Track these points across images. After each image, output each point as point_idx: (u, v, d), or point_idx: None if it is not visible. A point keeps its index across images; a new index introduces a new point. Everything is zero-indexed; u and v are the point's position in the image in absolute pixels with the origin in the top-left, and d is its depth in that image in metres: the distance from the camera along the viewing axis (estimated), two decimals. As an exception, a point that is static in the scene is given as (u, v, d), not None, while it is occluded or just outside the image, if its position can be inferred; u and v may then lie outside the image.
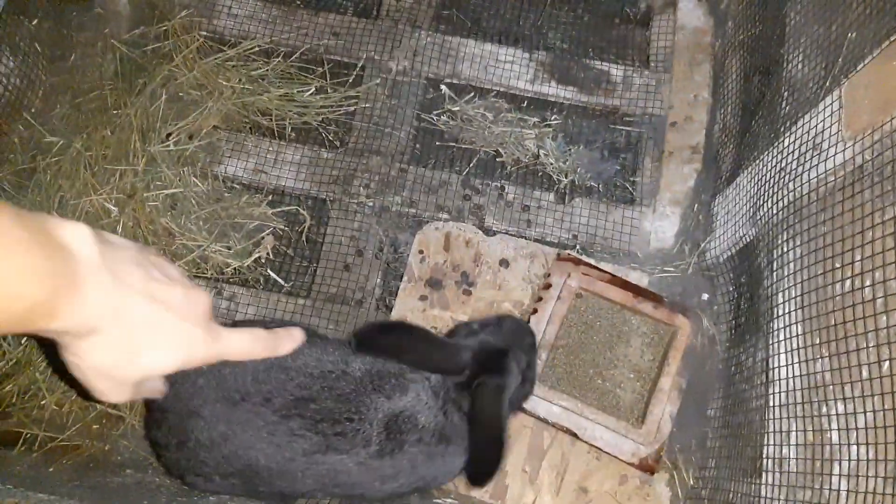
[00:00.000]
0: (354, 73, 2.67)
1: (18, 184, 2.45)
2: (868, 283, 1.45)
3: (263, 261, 2.42)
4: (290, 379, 1.67)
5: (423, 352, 1.69)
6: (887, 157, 1.46)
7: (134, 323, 0.76)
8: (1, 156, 2.48)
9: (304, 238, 2.46)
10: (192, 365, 0.82)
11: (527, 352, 1.83)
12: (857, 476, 1.39)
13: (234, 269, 2.37)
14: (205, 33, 2.68)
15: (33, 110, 2.55)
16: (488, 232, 2.40)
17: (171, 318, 0.79)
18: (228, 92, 2.59)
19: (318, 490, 1.71)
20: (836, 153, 1.62)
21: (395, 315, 2.25)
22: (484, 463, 1.62)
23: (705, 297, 2.22)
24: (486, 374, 1.69)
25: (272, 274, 2.40)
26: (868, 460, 1.37)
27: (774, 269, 1.81)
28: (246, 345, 0.88)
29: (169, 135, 2.53)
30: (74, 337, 0.74)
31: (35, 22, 2.51)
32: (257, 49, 2.68)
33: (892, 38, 1.54)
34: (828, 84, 1.75)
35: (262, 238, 2.44)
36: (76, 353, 0.76)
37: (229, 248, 2.39)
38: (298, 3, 2.79)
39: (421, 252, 2.32)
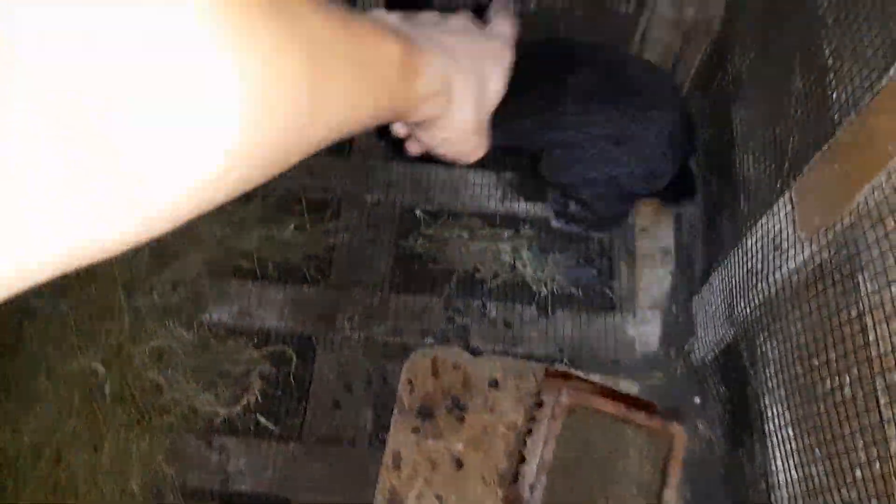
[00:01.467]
0: (331, 208, 2.75)
1: (3, 353, 2.46)
2: (846, 382, 1.46)
3: (252, 406, 2.40)
4: None
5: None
6: (843, 255, 1.51)
7: (464, 63, 0.74)
8: (-14, 324, 2.50)
9: (291, 377, 2.46)
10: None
11: None
12: (871, 585, 1.35)
13: (224, 418, 2.35)
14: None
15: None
16: (475, 353, 2.42)
17: (482, 40, 0.79)
18: (210, 239, 2.65)
19: None
20: (795, 254, 1.66)
21: (389, 450, 2.22)
22: None
23: (697, 400, 2.21)
24: None
25: (261, 419, 2.38)
26: (878, 568, 1.33)
27: (758, 369, 1.83)
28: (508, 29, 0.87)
29: (152, 287, 2.57)
30: (435, 104, 0.71)
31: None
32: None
33: (829, 142, 1.62)
34: (779, 186, 1.83)
35: (250, 382, 2.44)
36: (445, 124, 0.75)
37: (217, 397, 2.38)
38: (272, 148, 2.91)
39: (410, 381, 2.32)
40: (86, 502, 2.17)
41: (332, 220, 2.74)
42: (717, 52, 2.44)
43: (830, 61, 1.73)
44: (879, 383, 1.36)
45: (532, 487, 2.06)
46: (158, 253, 2.62)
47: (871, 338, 1.39)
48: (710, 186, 2.41)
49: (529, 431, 2.14)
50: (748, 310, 1.89)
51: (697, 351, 2.22)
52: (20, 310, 2.53)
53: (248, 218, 2.72)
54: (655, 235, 2.58)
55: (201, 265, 2.62)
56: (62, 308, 2.51)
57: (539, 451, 2.10)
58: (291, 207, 2.76)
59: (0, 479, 2.30)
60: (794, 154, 1.82)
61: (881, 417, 1.36)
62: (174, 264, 2.61)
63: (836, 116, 1.63)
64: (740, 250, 1.98)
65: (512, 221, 2.72)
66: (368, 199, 2.78)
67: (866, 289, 1.44)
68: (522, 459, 2.11)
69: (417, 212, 2.76)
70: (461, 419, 2.26)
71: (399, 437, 2.23)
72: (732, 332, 2.00)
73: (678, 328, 2.36)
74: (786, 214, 1.76)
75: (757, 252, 1.88)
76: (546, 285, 2.57)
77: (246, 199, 2.76)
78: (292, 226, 2.71)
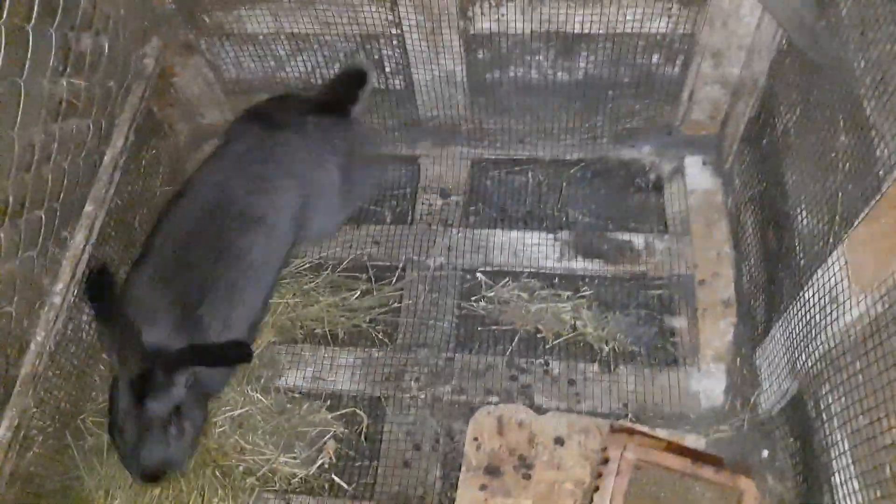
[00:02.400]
0: (396, 273, 2.90)
1: (100, 422, 2.65)
2: (911, 433, 1.47)
3: (327, 466, 2.51)
4: None
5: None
6: (898, 308, 1.53)
7: None
8: (84, 395, 2.70)
9: (363, 438, 2.57)
10: None
11: None
12: None
13: (301, 478, 2.47)
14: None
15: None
16: (539, 410, 2.47)
17: None
18: (283, 307, 2.83)
19: None
20: (851, 307, 1.69)
21: (459, 508, 2.28)
22: None
23: (766, 454, 2.20)
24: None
25: (336, 479, 2.48)
26: None
27: (823, 422, 1.82)
28: None
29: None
30: None
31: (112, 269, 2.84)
32: (308, 265, 2.95)
33: (877, 198, 1.66)
34: (832, 239, 1.86)
35: (324, 443, 2.55)
36: None
37: (295, 458, 2.50)
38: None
39: (476, 439, 2.39)
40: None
41: (397, 285, 2.88)
42: (764, 108, 2.50)
43: (872, 118, 1.77)
44: (942, 435, 1.36)
45: (601, 544, 2.08)
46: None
47: (931, 389, 1.41)
48: (766, 238, 2.43)
49: (597, 488, 2.17)
50: (809, 362, 1.90)
51: (763, 403, 2.22)
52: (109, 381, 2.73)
53: (318, 287, 2.88)
54: (715, 287, 2.61)
55: (275, 333, 2.79)
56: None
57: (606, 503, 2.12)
58: (359, 276, 2.92)
59: (96, 539, 2.46)
60: (845, 208, 1.85)
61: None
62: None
63: (881, 172, 1.68)
64: (798, 302, 2.00)
65: (571, 281, 2.80)
66: (431, 263, 2.91)
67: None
68: (590, 516, 2.13)
69: (478, 274, 2.87)
70: (528, 476, 2.30)
71: (467, 495, 2.29)
72: (797, 385, 2.00)
73: (742, 381, 2.36)
74: (840, 268, 1.79)
75: (815, 304, 1.90)
76: (608, 343, 2.61)
77: (316, 270, 2.94)
78: (359, 291, 2.86)
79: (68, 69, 2.42)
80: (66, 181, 2.47)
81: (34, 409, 2.40)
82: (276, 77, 3.08)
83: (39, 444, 2.45)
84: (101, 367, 2.75)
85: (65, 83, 2.40)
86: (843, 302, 1.74)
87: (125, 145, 2.77)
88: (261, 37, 2.89)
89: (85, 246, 2.61)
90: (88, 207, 2.64)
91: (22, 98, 2.14)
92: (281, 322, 2.80)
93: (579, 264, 2.80)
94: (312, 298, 2.85)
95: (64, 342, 2.54)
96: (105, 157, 2.71)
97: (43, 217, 2.38)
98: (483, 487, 2.30)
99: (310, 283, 2.89)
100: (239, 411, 2.55)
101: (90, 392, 2.72)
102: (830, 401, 1.78)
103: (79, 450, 2.57)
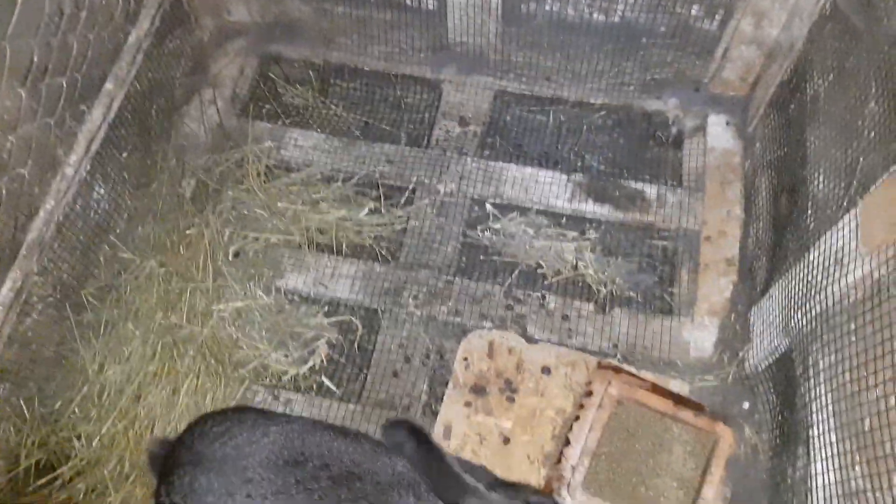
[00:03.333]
0: (406, 195, 2.91)
1: (100, 297, 2.70)
2: (892, 391, 1.51)
3: (318, 368, 2.57)
4: (346, 452, 1.78)
5: (433, 473, 1.72)
6: (903, 271, 1.56)
7: None
8: (87, 272, 2.74)
9: (356, 346, 2.62)
10: None
11: None
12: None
13: (291, 376, 2.53)
14: (273, 161, 2.97)
15: (118, 231, 2.84)
16: (530, 340, 2.52)
17: None
18: (291, 213, 2.84)
19: None
20: (855, 268, 1.71)
21: (441, 420, 2.35)
22: None
23: (746, 405, 2.26)
24: None
25: (325, 381, 2.54)
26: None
27: (808, 378, 1.87)
28: None
29: (237, 253, 2.77)
30: None
31: (126, 154, 2.84)
32: (319, 175, 2.95)
33: (898, 163, 1.67)
34: (845, 203, 1.88)
35: (317, 346, 2.60)
36: None
37: (287, 357, 2.56)
38: (358, 134, 3.08)
39: (466, 359, 2.45)
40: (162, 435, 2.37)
41: (405, 207, 2.89)
42: (797, 73, 2.48)
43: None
44: (925, 392, 1.40)
45: (574, 469, 2.15)
46: (242, 223, 2.82)
47: (922, 349, 1.44)
48: (778, 203, 2.45)
49: (577, 418, 2.24)
50: (805, 320, 1.94)
51: (751, 359, 2.27)
52: (117, 260, 2.77)
53: (327, 198, 2.89)
54: (720, 245, 2.64)
55: (281, 236, 2.81)
56: (152, 263, 2.73)
57: (584, 437, 2.19)
58: (369, 192, 2.93)
59: (85, 409, 2.52)
60: (864, 174, 1.86)
61: (925, 427, 1.41)
62: (255, 232, 2.80)
63: (908, 138, 1.68)
64: (802, 263, 2.03)
65: (578, 222, 2.82)
66: (441, 189, 2.91)
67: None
68: (567, 443, 2.20)
69: (487, 205, 2.88)
70: (511, 399, 2.36)
71: (451, 409, 2.35)
72: (787, 343, 2.05)
73: (734, 336, 2.41)
74: (850, 230, 1.81)
75: (818, 265, 1.93)
76: (606, 286, 2.65)
77: (327, 181, 2.94)
78: (367, 208, 2.88)
79: (103, -62, 2.38)
80: (90, 53, 2.45)
81: (37, 277, 2.44)
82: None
83: (39, 312, 2.50)
84: (107, 248, 2.78)
85: (98, -49, 2.37)
86: (848, 263, 1.76)
87: (150, 28, 2.75)
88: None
89: (101, 123, 2.61)
90: (108, 85, 2.63)
91: (55, -41, 2.12)
92: (286, 228, 2.81)
93: (589, 207, 2.82)
94: (320, 209, 2.86)
95: (72, 216, 2.56)
96: (130, 37, 2.69)
97: (64, 85, 2.37)
98: (468, 404, 2.36)
99: (319, 193, 2.90)
100: (239, 304, 2.59)
101: (93, 269, 2.75)
102: (819, 358, 1.82)
103: (77, 323, 2.62)
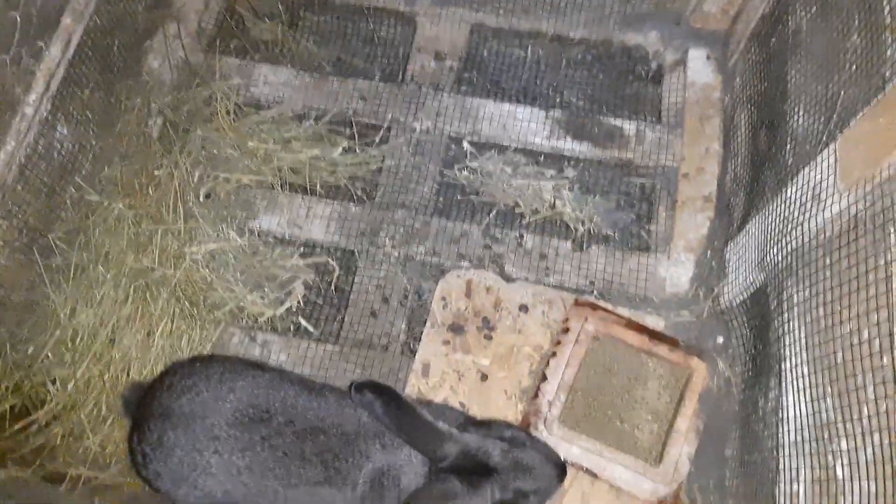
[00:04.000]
0: (381, 133, 2.84)
1: (68, 241, 2.63)
2: (866, 325, 1.53)
3: (294, 309, 2.55)
4: (311, 408, 1.81)
5: (406, 429, 1.74)
6: (878, 207, 1.56)
7: None
8: (53, 215, 2.67)
9: (333, 287, 2.60)
10: None
11: (513, 492, 1.77)
12: (864, 511, 1.45)
13: (268, 318, 2.51)
14: (242, 98, 2.87)
15: (84, 172, 2.75)
16: (508, 279, 2.52)
17: None
18: (262, 153, 2.77)
19: None
20: (832, 203, 1.71)
21: (419, 359, 2.36)
22: None
23: (720, 340, 2.29)
24: (459, 475, 1.73)
25: (303, 322, 2.53)
26: (873, 494, 1.42)
27: (782, 312, 1.89)
28: None
29: (208, 195, 2.71)
30: None
31: (88, 92, 2.73)
32: (290, 113, 2.87)
33: (878, 97, 1.65)
34: (825, 139, 1.86)
35: (294, 288, 2.58)
36: None
37: (263, 298, 2.53)
38: (329, 70, 2.99)
39: (444, 299, 2.44)
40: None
41: (380, 145, 2.83)
42: (779, 5, 2.43)
43: (889, 19, 1.74)
44: (896, 326, 1.42)
45: (551, 404, 2.18)
46: (212, 164, 2.75)
47: (894, 285, 1.45)
48: (757, 139, 2.43)
49: (554, 354, 2.26)
50: (780, 255, 1.95)
51: (726, 294, 2.29)
52: (84, 202, 2.69)
53: (299, 137, 2.82)
54: (698, 182, 2.63)
55: (253, 177, 2.74)
56: (120, 206, 2.65)
57: (561, 373, 2.21)
58: (342, 130, 2.85)
59: (58, 353, 2.49)
60: (844, 108, 1.84)
61: (893, 360, 1.43)
62: (226, 173, 2.73)
63: (888, 73, 1.66)
64: (780, 198, 2.02)
65: (557, 160, 2.78)
66: (417, 126, 2.85)
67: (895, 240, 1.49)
68: (544, 378, 2.23)
69: (465, 143, 2.83)
70: (489, 337, 2.37)
71: (429, 348, 2.36)
72: (763, 278, 2.06)
73: (710, 272, 2.42)
74: (828, 165, 1.80)
75: (796, 201, 1.92)
76: (584, 224, 2.64)
77: (299, 119, 2.86)
78: (341, 147, 2.81)
79: None
80: (43, -17, 2.32)
81: (1, 220, 2.37)
82: None
83: (6, 257, 2.44)
84: (73, 190, 2.70)
85: None
86: (825, 199, 1.76)
87: (108, -43, 2.60)
88: None
89: (60, 60, 2.50)
90: (66, 20, 2.51)
91: None
92: (256, 167, 2.75)
93: (567, 145, 2.78)
94: (293, 148, 2.79)
95: (35, 157, 2.48)
96: (86, -34, 2.55)
97: (18, 19, 2.25)
98: (445, 343, 2.37)
99: (291, 131, 2.82)
100: (211, 246, 2.55)
101: (60, 212, 2.68)
102: (794, 292, 1.84)
103: (46, 267, 2.56)
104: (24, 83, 2.39)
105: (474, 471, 1.75)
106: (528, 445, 1.81)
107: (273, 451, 1.77)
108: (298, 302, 2.55)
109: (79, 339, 2.50)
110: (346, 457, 1.79)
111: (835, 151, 1.77)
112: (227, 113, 2.82)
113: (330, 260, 2.63)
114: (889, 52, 1.69)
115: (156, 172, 2.74)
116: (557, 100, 2.92)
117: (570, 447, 2.14)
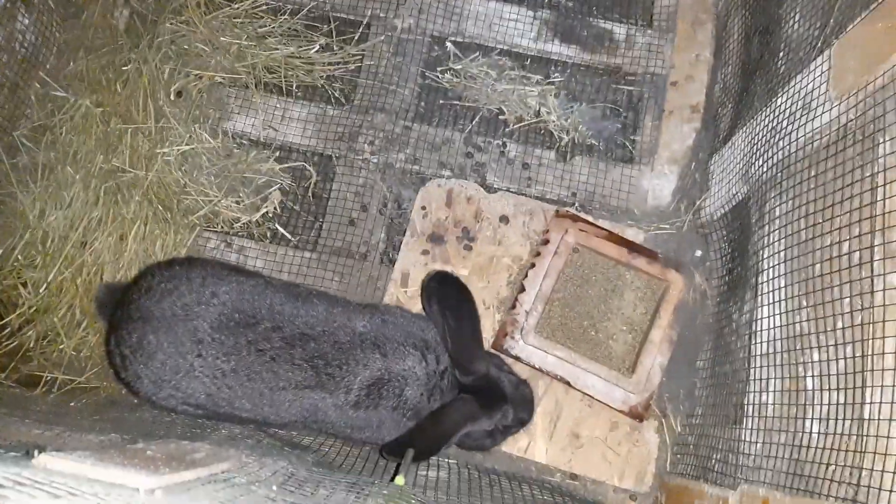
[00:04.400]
0: (360, 30, 2.70)
1: (34, 139, 2.53)
2: (847, 237, 1.51)
3: (271, 215, 2.50)
4: (299, 315, 1.80)
5: (463, 331, 1.85)
6: (869, 116, 1.51)
7: None
8: (18, 111, 2.55)
9: (310, 194, 2.54)
10: None
11: (513, 420, 2.01)
12: (829, 419, 1.47)
13: (244, 223, 2.46)
14: (213, -11, 2.71)
15: (48, 67, 2.62)
16: (489, 189, 2.47)
17: None
18: (235, 49, 2.63)
19: (297, 422, 1.86)
20: (823, 112, 1.66)
21: (399, 268, 2.34)
22: (418, 450, 1.75)
23: (699, 253, 2.28)
24: (478, 398, 1.88)
25: (280, 228, 2.48)
26: (840, 404, 1.45)
27: (763, 224, 1.87)
28: None
29: (179, 93, 2.59)
30: None
31: (48, -22, 2.56)
32: (265, 6, 2.71)
33: (879, 1, 1.57)
34: (820, 45, 1.78)
35: (270, 193, 2.52)
36: None
37: (238, 203, 2.47)
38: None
39: (423, 208, 2.40)
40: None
41: (359, 44, 2.70)
42: None
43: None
44: (878, 239, 1.40)
45: (528, 314, 2.19)
46: (183, 60, 2.61)
47: (879, 196, 1.42)
48: (750, 46, 2.34)
49: (532, 265, 2.24)
50: (765, 168, 1.91)
51: (708, 207, 2.27)
52: (50, 98, 2.57)
53: (274, 32, 2.68)
54: (687, 91, 2.55)
55: (225, 74, 2.62)
56: (86, 103, 2.53)
57: (539, 283, 2.21)
58: (319, 27, 2.71)
59: (29, 256, 2.44)
60: (841, 13, 1.76)
61: (872, 272, 1.42)
62: (198, 69, 2.60)
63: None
64: (769, 108, 1.96)
65: (543, 64, 2.68)
66: (398, 24, 2.71)
67: (885, 150, 1.45)
68: (522, 289, 2.22)
69: (448, 44, 2.71)
70: (469, 248, 2.35)
71: (409, 256, 2.33)
72: (745, 190, 2.03)
73: (692, 184, 2.39)
74: (822, 73, 1.73)
75: (785, 110, 1.87)
76: (568, 133, 2.57)
77: (274, 13, 2.71)
78: (318, 45, 2.68)
79: None
80: None
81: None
82: None
83: (-32, 154, 2.35)
84: (37, 85, 2.58)
85: None
86: (816, 108, 1.71)
87: None
88: None
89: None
90: None
91: None
92: (232, 65, 2.62)
93: (554, 48, 2.67)
94: (267, 45, 2.66)
95: (-7, 49, 2.35)
96: None
97: None
98: (425, 252, 2.34)
99: (265, 27, 2.68)
100: (184, 147, 2.46)
101: (24, 109, 2.57)
102: (777, 205, 1.81)
103: (12, 167, 2.47)
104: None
105: (490, 396, 1.92)
106: (526, 383, 2.06)
107: (260, 356, 1.77)
108: (275, 208, 2.50)
109: (49, 242, 2.44)
110: (339, 364, 1.80)
111: (829, 58, 1.70)
112: (198, 5, 2.66)
113: (307, 165, 2.56)
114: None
115: (123, 68, 2.61)
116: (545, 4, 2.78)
117: (545, 356, 2.16)
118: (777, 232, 1.78)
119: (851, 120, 1.57)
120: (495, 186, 2.49)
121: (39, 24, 2.58)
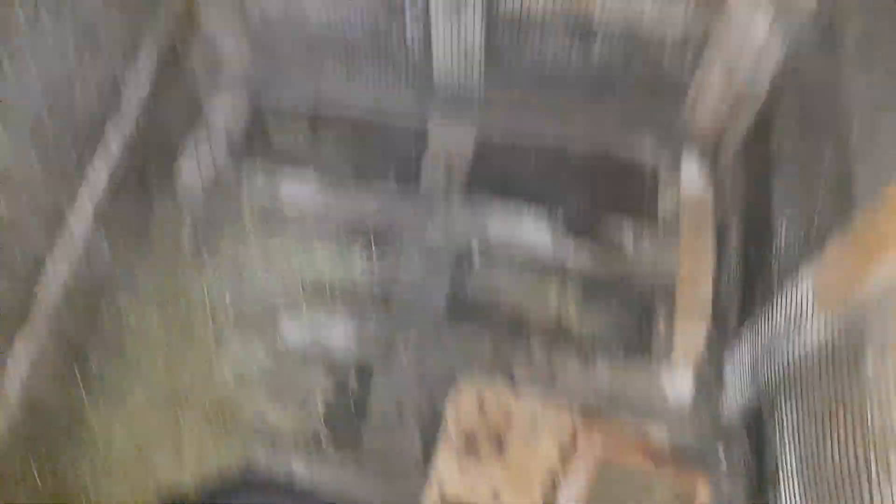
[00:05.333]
0: (395, 243, 3.01)
1: (105, 354, 2.79)
2: (852, 453, 1.59)
3: (315, 420, 2.67)
4: None
5: None
6: (853, 334, 1.65)
7: None
8: (90, 329, 2.82)
9: (352, 400, 2.72)
10: None
11: None
12: None
13: (290, 432, 2.63)
14: (266, 205, 3.11)
15: (119, 285, 2.91)
16: (518, 392, 2.61)
17: None
18: (287, 269, 2.96)
19: None
20: (812, 327, 1.81)
21: (435, 479, 2.42)
22: None
23: (722, 454, 2.35)
24: None
25: (322, 437, 2.64)
26: None
27: (777, 433, 1.96)
28: None
29: (235, 311, 2.88)
30: None
31: (125, 205, 2.90)
32: (313, 226, 3.06)
33: (848, 225, 1.76)
34: (803, 260, 1.97)
35: (314, 399, 2.71)
36: None
37: (285, 412, 2.66)
38: (347, 180, 3.19)
39: (456, 415, 2.53)
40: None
41: (394, 255, 2.99)
42: (761, 123, 2.58)
43: (857, 148, 1.86)
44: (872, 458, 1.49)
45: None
46: (238, 280, 2.93)
47: (868, 416, 1.53)
48: (748, 248, 2.54)
49: (564, 477, 2.32)
50: (772, 374, 2.03)
51: (725, 406, 2.36)
52: (116, 316, 2.86)
53: (321, 251, 3.00)
54: (696, 292, 2.73)
55: (281, 299, 2.92)
56: (155, 319, 2.83)
57: (572, 497, 2.28)
58: (359, 240, 3.02)
59: (93, 470, 2.62)
60: (818, 229, 1.95)
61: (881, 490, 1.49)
62: (254, 288, 2.92)
63: (856, 196, 1.77)
64: (766, 317, 2.12)
65: (560, 268, 2.92)
66: (428, 236, 3.01)
67: (870, 368, 1.56)
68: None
69: (473, 250, 2.98)
70: (502, 455, 2.44)
71: (444, 466, 2.43)
72: (756, 391, 2.14)
73: (711, 384, 2.50)
74: (807, 287, 1.90)
75: (781, 320, 2.02)
76: (588, 333, 2.75)
77: (320, 232, 3.04)
78: (361, 260, 2.98)
79: None
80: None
81: (48, 345, 2.53)
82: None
83: (50, 381, 2.59)
84: (107, 302, 2.85)
85: None
86: (805, 322, 1.85)
87: (147, 80, 2.89)
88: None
89: (103, 175, 2.73)
90: (109, 135, 2.76)
91: None
92: (284, 287, 2.92)
93: (569, 253, 2.92)
94: (316, 264, 2.98)
95: (79, 273, 2.65)
96: (127, 89, 2.81)
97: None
98: (459, 461, 2.44)
99: (313, 245, 3.02)
100: (236, 361, 2.73)
101: (96, 325, 2.84)
102: (785, 414, 1.91)
103: (84, 382, 2.72)
104: (69, 199, 2.60)
105: None
106: None
107: None
108: (319, 417, 2.67)
109: (110, 454, 2.62)
110: None
111: (811, 275, 1.87)
112: (254, 228, 3.03)
113: (349, 373, 2.76)
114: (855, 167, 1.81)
115: (187, 289, 2.93)
116: (559, 209, 3.06)
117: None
118: (789, 443, 1.86)
119: (837, 336, 1.71)
120: (523, 388, 2.63)
121: (116, 248, 2.86)
